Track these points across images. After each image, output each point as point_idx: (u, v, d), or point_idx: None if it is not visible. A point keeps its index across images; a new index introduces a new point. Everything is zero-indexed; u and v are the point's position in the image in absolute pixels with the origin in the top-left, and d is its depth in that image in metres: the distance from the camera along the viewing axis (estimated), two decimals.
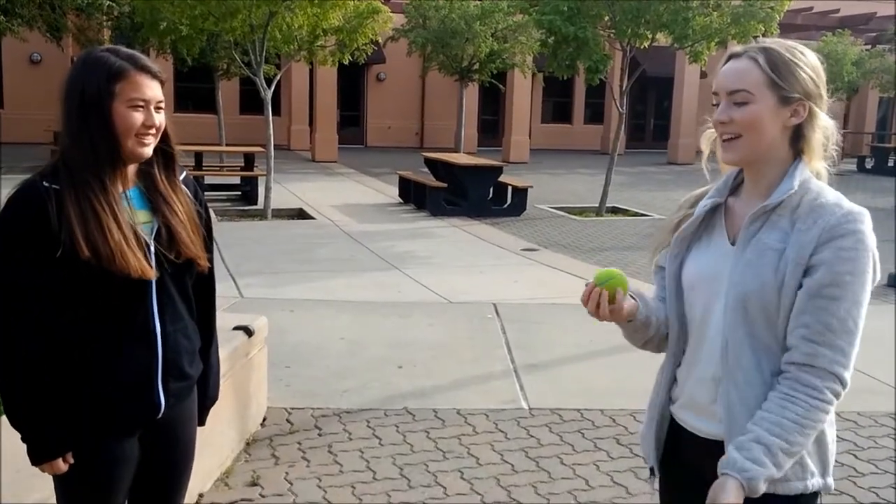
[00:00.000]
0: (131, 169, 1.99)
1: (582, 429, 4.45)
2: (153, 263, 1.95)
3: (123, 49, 1.95)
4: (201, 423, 2.27)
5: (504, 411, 4.65)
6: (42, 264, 1.86)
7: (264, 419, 4.37)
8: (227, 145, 16.49)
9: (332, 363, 5.35)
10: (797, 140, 1.68)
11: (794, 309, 1.61)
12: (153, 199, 2.01)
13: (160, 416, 2.03)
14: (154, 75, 1.94)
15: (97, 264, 1.85)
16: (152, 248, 1.96)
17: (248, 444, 4.08)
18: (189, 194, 2.11)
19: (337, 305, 6.85)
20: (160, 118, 1.96)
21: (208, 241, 2.15)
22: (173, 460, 2.17)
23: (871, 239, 1.60)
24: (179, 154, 2.09)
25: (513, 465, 3.98)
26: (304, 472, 3.85)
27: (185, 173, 2.13)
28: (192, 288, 2.12)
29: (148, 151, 1.95)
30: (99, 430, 1.98)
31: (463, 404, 4.72)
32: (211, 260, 2.15)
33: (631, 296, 1.79)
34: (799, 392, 1.60)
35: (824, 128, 1.68)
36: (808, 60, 1.67)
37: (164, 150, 2.02)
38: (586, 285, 1.75)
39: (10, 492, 2.41)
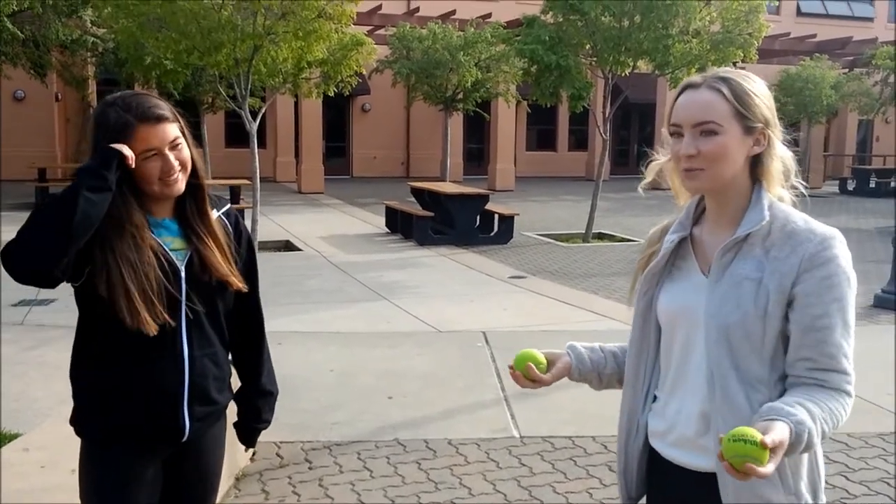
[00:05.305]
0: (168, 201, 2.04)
1: (574, 456, 4.43)
2: (182, 291, 1.99)
3: (128, 97, 1.93)
4: (251, 444, 2.38)
5: (495, 440, 4.63)
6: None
7: (254, 453, 4.32)
8: (212, 178, 16.49)
9: (321, 395, 5.32)
10: (755, 167, 1.70)
11: (791, 343, 1.63)
12: (185, 229, 2.06)
13: (185, 439, 2.07)
14: (158, 119, 1.91)
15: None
16: (182, 275, 2.00)
17: (237, 479, 4.04)
18: (229, 226, 2.14)
19: (325, 337, 6.83)
20: (180, 154, 1.96)
21: (253, 272, 2.20)
22: (194, 488, 2.19)
23: (845, 260, 1.63)
24: (208, 186, 2.12)
25: (505, 495, 3.96)
26: None
27: (227, 206, 2.18)
28: (238, 318, 2.18)
29: (178, 189, 2.00)
30: (121, 443, 2.01)
31: (454, 434, 4.70)
32: (254, 289, 2.20)
33: (568, 352, 1.91)
34: (820, 391, 1.60)
35: (782, 157, 1.70)
36: (762, 89, 1.69)
37: (192, 184, 2.04)
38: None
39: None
